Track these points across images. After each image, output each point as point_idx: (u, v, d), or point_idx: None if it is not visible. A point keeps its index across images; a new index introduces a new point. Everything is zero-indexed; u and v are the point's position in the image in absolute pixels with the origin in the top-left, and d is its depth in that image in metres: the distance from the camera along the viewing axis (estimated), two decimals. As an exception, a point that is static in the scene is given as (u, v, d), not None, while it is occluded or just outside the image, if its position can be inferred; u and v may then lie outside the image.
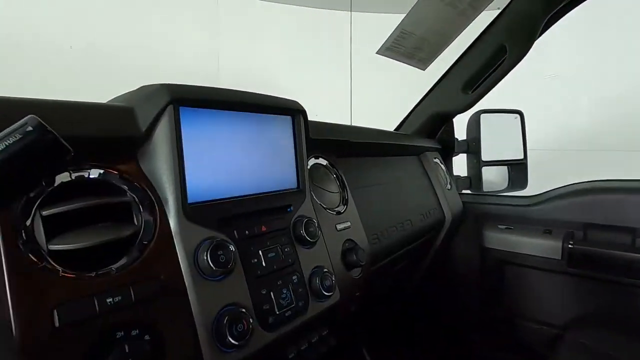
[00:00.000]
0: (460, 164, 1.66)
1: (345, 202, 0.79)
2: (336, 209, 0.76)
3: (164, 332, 0.42)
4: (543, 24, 1.07)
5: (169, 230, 0.47)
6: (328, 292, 0.60)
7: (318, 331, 0.63)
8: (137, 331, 0.40)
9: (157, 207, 0.47)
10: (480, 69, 1.17)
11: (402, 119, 1.40)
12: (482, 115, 1.65)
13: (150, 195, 0.47)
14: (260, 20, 3.41)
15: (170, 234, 0.47)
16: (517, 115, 1.67)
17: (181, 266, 0.46)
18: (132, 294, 0.41)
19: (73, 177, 0.42)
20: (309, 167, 0.75)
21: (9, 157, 0.28)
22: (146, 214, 0.46)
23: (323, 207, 0.73)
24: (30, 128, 0.28)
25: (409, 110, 1.46)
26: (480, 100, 1.32)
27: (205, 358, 0.44)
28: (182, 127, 0.48)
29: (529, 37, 1.07)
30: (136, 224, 0.45)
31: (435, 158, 1.36)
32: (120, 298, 0.40)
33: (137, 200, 0.46)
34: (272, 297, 0.53)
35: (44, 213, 0.39)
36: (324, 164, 0.80)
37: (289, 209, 0.63)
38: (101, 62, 2.47)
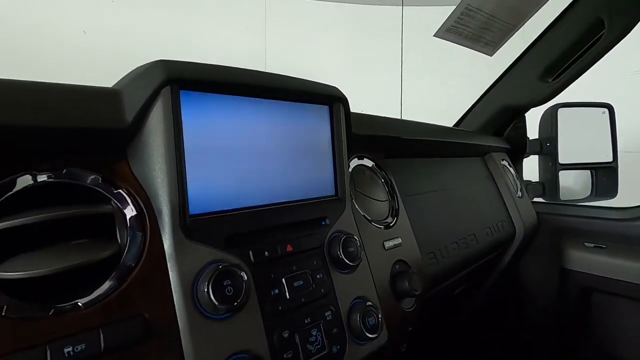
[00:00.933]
0: (529, 168, 1.43)
1: (395, 213, 0.64)
2: (384, 222, 0.61)
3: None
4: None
5: (162, 251, 0.35)
6: (372, 333, 0.46)
7: None
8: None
9: (148, 221, 0.36)
10: (566, 50, 0.95)
11: (462, 114, 1.20)
12: (560, 110, 1.40)
13: (141, 204, 0.36)
14: (308, 18, 3.34)
15: (163, 255, 0.35)
16: (605, 110, 1.40)
17: (174, 300, 0.34)
18: (102, 341, 0.30)
19: (38, 180, 0.32)
20: (350, 169, 0.61)
21: None
22: (133, 230, 0.35)
23: (367, 219, 0.58)
24: None
25: (464, 109, 1.26)
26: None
27: None
28: (182, 116, 0.37)
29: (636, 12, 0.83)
30: (119, 241, 0.35)
31: (502, 160, 1.15)
32: (83, 347, 0.29)
33: (122, 210, 0.35)
34: (297, 341, 0.40)
35: None
36: (370, 165, 0.65)
37: (323, 222, 0.50)
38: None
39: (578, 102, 1.37)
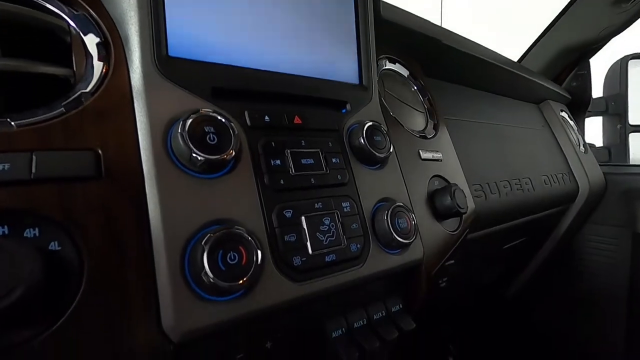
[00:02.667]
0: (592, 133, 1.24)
1: (434, 127, 0.53)
2: (420, 133, 0.50)
3: (88, 242, 0.23)
4: None
5: (128, 86, 0.28)
6: (405, 238, 0.36)
7: (385, 301, 0.39)
8: (36, 231, 0.22)
9: (113, 50, 0.28)
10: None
11: (522, 54, 1.04)
12: (631, 62, 1.23)
13: (105, 30, 0.29)
14: None
15: (129, 92, 0.28)
16: (689, 61, 1.21)
17: (140, 143, 0.26)
18: (33, 166, 0.22)
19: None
20: (381, 70, 0.51)
21: None
22: (92, 58, 0.28)
23: (399, 122, 0.48)
24: None
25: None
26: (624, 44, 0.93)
27: (164, 305, 0.24)
28: None
29: None
30: (74, 68, 0.27)
31: (562, 111, 0.99)
32: (7, 167, 0.22)
33: (81, 36, 0.28)
34: (304, 225, 0.31)
35: None
36: (403, 73, 0.55)
37: (343, 110, 0.40)
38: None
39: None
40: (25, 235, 0.22)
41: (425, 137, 0.50)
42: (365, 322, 0.37)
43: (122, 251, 0.24)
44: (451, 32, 0.63)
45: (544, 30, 0.97)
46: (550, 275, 1.02)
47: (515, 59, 1.05)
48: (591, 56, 1.05)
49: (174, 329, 0.24)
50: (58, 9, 0.28)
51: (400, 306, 0.40)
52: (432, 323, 0.77)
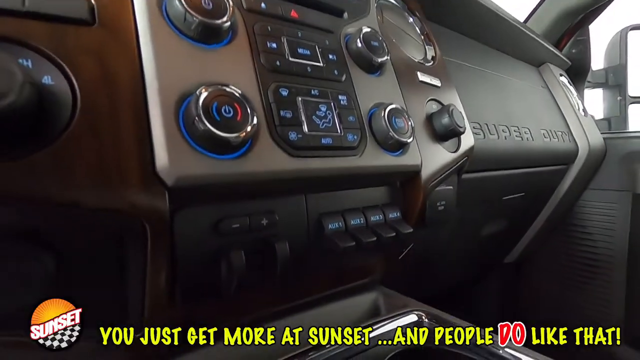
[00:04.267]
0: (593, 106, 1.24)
1: (432, 59, 0.53)
2: (418, 59, 0.50)
3: (80, 80, 0.23)
4: None
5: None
6: (402, 136, 0.35)
7: (382, 206, 0.39)
8: (29, 63, 0.22)
9: None
10: None
11: (527, 15, 1.04)
12: (631, 33, 1.23)
13: None
14: None
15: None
16: (689, 31, 1.21)
17: (135, 5, 0.26)
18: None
19: None
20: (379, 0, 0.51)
21: None
22: None
23: (395, 42, 0.48)
24: None
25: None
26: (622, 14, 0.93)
27: (158, 149, 0.24)
28: None
29: None
30: None
31: (561, 76, 0.99)
32: (0, -3, 0.22)
33: None
34: (300, 104, 0.31)
35: None
36: (399, 5, 0.55)
37: (342, 15, 0.40)
38: None
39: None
40: (19, 62, 0.22)
41: (423, 64, 0.50)
42: (362, 222, 0.36)
43: (116, 94, 0.24)
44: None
45: (543, -8, 0.98)
46: (551, 241, 1.02)
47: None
48: (590, 22, 1.05)
49: (169, 172, 0.24)
50: None
51: (398, 214, 0.40)
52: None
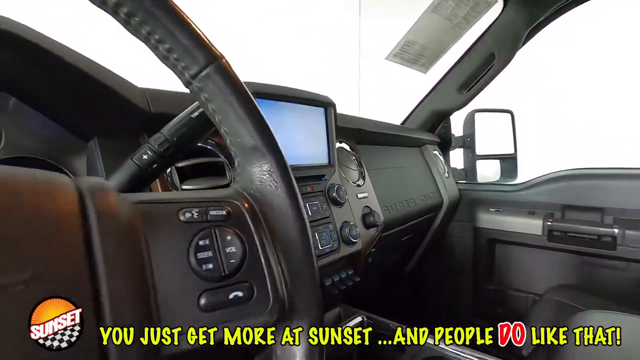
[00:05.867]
0: (457, 158, 1.86)
1: (363, 177, 0.99)
2: (356, 183, 0.96)
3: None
4: (525, 35, 1.27)
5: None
6: (354, 239, 0.80)
7: (346, 269, 0.83)
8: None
9: None
10: (473, 72, 1.37)
11: (407, 114, 1.60)
12: (477, 114, 1.86)
13: None
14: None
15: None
16: (509, 114, 1.88)
17: None
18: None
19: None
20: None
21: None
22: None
23: (346, 179, 0.92)
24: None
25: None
26: (474, 100, 1.53)
27: None
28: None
29: (514, 46, 1.27)
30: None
31: (434, 150, 1.56)
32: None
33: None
34: (317, 237, 0.73)
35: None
36: (347, 148, 1.00)
37: (323, 178, 0.83)
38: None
39: (489, 108, 1.82)
40: None
41: (359, 185, 0.95)
42: (338, 278, 0.80)
43: None
44: (369, 120, 1.11)
45: (420, 101, 1.53)
46: (431, 257, 1.59)
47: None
48: (451, 114, 1.64)
49: None
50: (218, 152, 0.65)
51: (351, 272, 0.84)
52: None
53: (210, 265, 0.24)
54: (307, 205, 0.74)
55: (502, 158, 1.92)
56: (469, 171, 1.91)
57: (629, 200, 1.22)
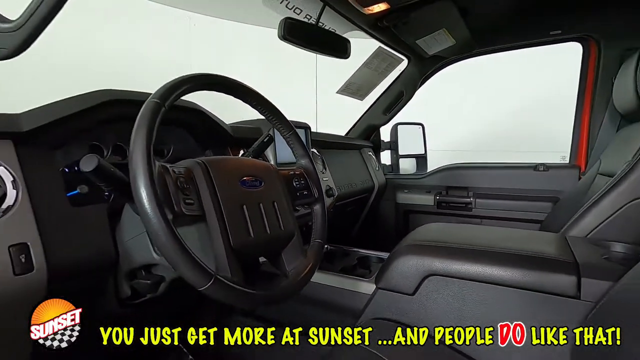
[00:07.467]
0: (386, 157, 2.63)
1: (325, 168, 1.67)
2: (322, 171, 1.63)
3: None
4: (420, 82, 2.05)
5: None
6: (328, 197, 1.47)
7: None
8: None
9: None
10: (391, 101, 2.13)
11: (350, 127, 2.32)
12: (399, 126, 2.64)
13: None
14: (229, 37, 3.99)
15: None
16: (420, 126, 2.69)
17: None
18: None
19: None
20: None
21: None
22: None
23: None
24: None
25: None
26: (398, 117, 2.29)
27: None
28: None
29: (414, 87, 2.05)
30: None
31: (369, 152, 2.29)
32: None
33: None
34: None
35: None
36: (316, 151, 1.67)
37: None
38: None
39: (407, 122, 2.60)
40: None
41: (322, 173, 1.63)
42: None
43: None
44: (327, 134, 1.79)
45: (359, 118, 2.26)
46: (368, 224, 2.33)
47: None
48: (380, 127, 2.39)
49: None
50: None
51: None
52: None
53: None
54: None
55: (416, 157, 2.74)
56: (394, 166, 2.69)
57: (480, 181, 2.05)
